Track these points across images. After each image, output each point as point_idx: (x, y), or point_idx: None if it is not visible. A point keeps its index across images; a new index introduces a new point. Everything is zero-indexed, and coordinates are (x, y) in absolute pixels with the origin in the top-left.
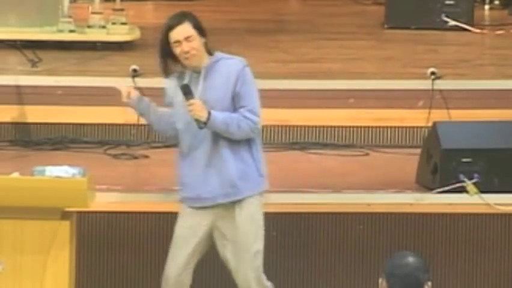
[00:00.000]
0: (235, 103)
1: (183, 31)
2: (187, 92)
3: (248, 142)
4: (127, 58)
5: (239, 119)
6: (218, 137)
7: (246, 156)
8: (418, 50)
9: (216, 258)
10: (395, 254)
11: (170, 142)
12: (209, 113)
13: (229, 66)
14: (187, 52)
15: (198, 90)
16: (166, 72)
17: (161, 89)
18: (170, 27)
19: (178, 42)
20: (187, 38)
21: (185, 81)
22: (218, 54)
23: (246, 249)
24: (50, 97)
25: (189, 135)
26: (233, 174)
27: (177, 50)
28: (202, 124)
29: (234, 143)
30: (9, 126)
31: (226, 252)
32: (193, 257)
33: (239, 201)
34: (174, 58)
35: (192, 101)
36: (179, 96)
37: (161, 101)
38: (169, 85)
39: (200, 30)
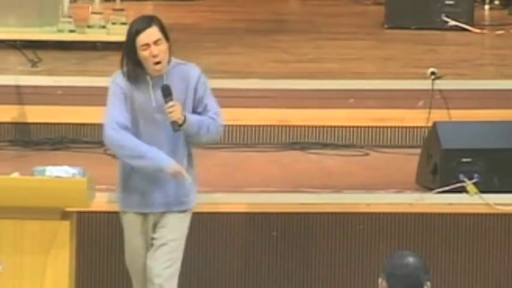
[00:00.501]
0: (194, 108)
1: (152, 34)
2: (167, 93)
3: (190, 151)
4: None
5: (209, 122)
6: (178, 142)
7: (194, 165)
8: (418, 50)
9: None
10: (395, 254)
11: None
12: (184, 116)
13: (187, 71)
14: (155, 56)
15: (159, 95)
16: (131, 77)
17: None
18: (138, 31)
19: (147, 45)
20: (155, 42)
21: (148, 85)
22: (173, 60)
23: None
24: (50, 97)
25: (147, 137)
26: (187, 184)
27: (145, 54)
28: (177, 127)
29: (189, 150)
30: (9, 126)
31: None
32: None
33: (183, 211)
34: (137, 63)
35: (172, 103)
36: (138, 97)
37: None
38: (123, 84)
39: (165, 34)
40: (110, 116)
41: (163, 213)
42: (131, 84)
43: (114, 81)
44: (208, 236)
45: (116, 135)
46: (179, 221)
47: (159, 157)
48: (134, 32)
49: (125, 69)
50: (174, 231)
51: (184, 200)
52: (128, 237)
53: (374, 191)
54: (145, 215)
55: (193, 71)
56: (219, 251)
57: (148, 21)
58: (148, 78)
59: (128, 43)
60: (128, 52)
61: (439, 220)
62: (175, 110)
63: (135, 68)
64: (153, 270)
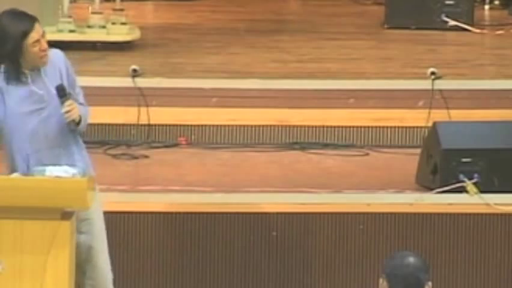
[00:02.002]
0: None
1: (40, 29)
2: (63, 93)
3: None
4: (127, 58)
5: (86, 109)
6: (67, 135)
7: (84, 154)
8: (418, 50)
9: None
10: (396, 254)
11: None
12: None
13: (54, 56)
14: (44, 50)
15: (44, 86)
16: (20, 75)
17: (162, 89)
18: (29, 29)
19: (38, 41)
20: (43, 36)
21: (28, 79)
22: None
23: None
24: None
25: (27, 135)
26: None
27: (35, 49)
28: (74, 126)
29: (78, 139)
30: None
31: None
32: None
33: None
34: (16, 61)
35: (69, 102)
36: (13, 94)
37: (163, 101)
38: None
39: None
40: None
41: None
42: (8, 83)
43: None
44: (208, 236)
45: None
46: None
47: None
48: (24, 31)
49: (2, 70)
50: None
51: None
52: None
53: (374, 191)
54: None
55: (59, 55)
56: (219, 251)
57: (30, 17)
58: (27, 72)
59: (15, 44)
60: (10, 52)
61: (439, 220)
62: (73, 109)
63: (14, 66)
64: None
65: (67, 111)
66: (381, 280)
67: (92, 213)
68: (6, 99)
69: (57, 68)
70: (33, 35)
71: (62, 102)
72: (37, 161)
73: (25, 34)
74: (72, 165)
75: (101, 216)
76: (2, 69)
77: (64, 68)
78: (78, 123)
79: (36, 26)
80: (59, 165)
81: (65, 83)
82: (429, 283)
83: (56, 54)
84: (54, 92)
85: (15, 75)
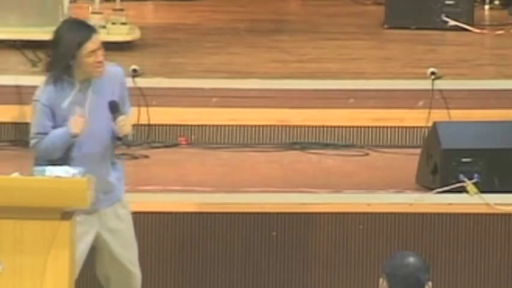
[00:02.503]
0: None
1: (97, 40)
2: (116, 109)
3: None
4: (127, 58)
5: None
6: (107, 145)
7: (117, 167)
8: (418, 50)
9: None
10: (396, 254)
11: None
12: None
13: (112, 72)
14: (100, 61)
15: (88, 98)
16: (69, 84)
17: (163, 89)
18: (86, 38)
19: (93, 52)
20: (99, 48)
21: (76, 90)
22: None
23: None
24: None
25: (82, 145)
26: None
27: (89, 60)
28: (126, 140)
29: (114, 152)
30: (9, 126)
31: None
32: None
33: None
34: (70, 69)
35: (122, 117)
36: (63, 105)
37: (163, 101)
38: (50, 92)
39: None
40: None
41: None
42: (57, 92)
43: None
44: (208, 236)
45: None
46: None
47: (58, 131)
48: (81, 40)
49: (50, 75)
50: None
51: None
52: None
53: (374, 191)
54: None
55: (118, 71)
56: (219, 251)
57: (90, 27)
58: (77, 82)
59: (70, 52)
60: (64, 60)
61: (439, 220)
62: (126, 125)
63: (66, 74)
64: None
65: (121, 126)
66: (381, 280)
67: (122, 223)
68: (56, 113)
69: (111, 84)
70: (89, 46)
71: (115, 118)
72: (81, 165)
73: (81, 44)
74: (108, 177)
75: (131, 227)
76: (51, 80)
77: (118, 85)
78: (122, 137)
79: (94, 37)
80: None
81: (117, 99)
82: (430, 283)
83: (115, 70)
84: (99, 105)
85: (65, 83)
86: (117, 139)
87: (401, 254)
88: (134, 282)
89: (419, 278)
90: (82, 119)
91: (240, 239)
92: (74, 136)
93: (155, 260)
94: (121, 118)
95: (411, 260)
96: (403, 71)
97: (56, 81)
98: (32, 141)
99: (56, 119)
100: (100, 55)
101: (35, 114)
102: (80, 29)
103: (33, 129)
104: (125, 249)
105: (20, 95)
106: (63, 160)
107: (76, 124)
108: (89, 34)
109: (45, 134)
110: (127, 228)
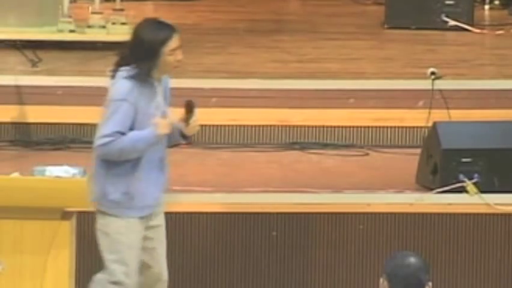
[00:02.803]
0: None
1: (178, 41)
2: (192, 109)
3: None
4: None
5: None
6: (167, 145)
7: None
8: (418, 50)
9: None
10: (396, 254)
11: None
12: None
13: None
14: (179, 60)
15: (158, 98)
16: (148, 80)
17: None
18: (169, 36)
19: (174, 50)
20: (180, 46)
21: (154, 90)
22: None
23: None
24: (50, 97)
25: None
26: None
27: (170, 59)
28: (191, 138)
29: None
30: (9, 126)
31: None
32: None
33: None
34: (151, 65)
35: (195, 118)
36: (143, 103)
37: None
38: (134, 91)
39: None
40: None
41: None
42: (138, 91)
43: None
44: (209, 236)
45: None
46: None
47: (142, 132)
48: (165, 37)
49: (134, 73)
50: None
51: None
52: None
53: (374, 191)
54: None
55: (168, 78)
56: (219, 251)
57: (172, 26)
58: (154, 81)
59: (155, 48)
60: (147, 56)
61: (439, 220)
62: (197, 125)
63: (147, 70)
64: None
65: (194, 126)
66: (381, 280)
67: (162, 219)
68: (138, 113)
69: (164, 86)
70: (171, 44)
71: (188, 118)
72: (149, 169)
73: (164, 41)
74: (163, 179)
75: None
76: (134, 78)
77: (166, 87)
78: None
79: (175, 36)
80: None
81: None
82: (430, 283)
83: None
84: (161, 105)
85: (145, 83)
86: (183, 138)
87: (402, 254)
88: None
89: (420, 278)
90: (167, 120)
91: (240, 239)
92: (160, 138)
93: None
94: (194, 118)
95: (412, 260)
96: (403, 71)
97: (138, 80)
98: (105, 139)
99: (137, 119)
100: (179, 54)
101: (116, 113)
102: (162, 27)
103: (110, 128)
104: (162, 246)
105: (20, 95)
106: (135, 161)
107: (162, 126)
108: (171, 32)
109: (123, 134)
110: (164, 225)
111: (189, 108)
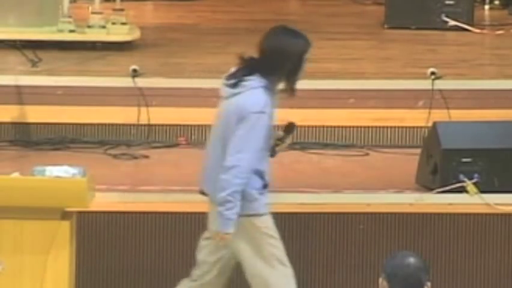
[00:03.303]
0: None
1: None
2: (292, 131)
3: None
4: (127, 58)
5: None
6: None
7: None
8: (418, 50)
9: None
10: (396, 254)
11: None
12: None
13: None
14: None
15: (275, 109)
16: (273, 90)
17: (163, 89)
18: (309, 43)
19: (306, 60)
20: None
21: (275, 100)
22: None
23: None
24: (50, 97)
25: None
26: None
27: (303, 68)
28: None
29: None
30: (9, 126)
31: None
32: None
33: None
34: (294, 77)
35: (290, 139)
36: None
37: (163, 101)
38: (267, 99)
39: None
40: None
41: None
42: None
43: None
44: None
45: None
46: None
47: (234, 211)
48: (306, 46)
49: (268, 83)
50: None
51: None
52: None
53: (374, 191)
54: None
55: None
56: None
57: (304, 34)
58: (277, 91)
59: (299, 58)
60: (291, 69)
61: (439, 220)
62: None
63: (289, 83)
64: None
65: (285, 146)
66: (381, 280)
67: None
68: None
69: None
70: (308, 53)
71: (286, 137)
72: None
73: (306, 49)
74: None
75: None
76: (267, 88)
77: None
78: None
79: (310, 45)
80: None
81: None
82: (429, 283)
83: None
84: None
85: (272, 92)
86: (271, 151)
87: (402, 254)
88: None
89: (419, 278)
90: (282, 146)
91: None
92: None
93: (156, 259)
94: (290, 139)
95: (412, 260)
96: (403, 71)
97: (272, 90)
98: (247, 155)
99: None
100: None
101: (257, 127)
102: (300, 36)
103: (253, 144)
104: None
105: (20, 95)
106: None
107: (222, 239)
108: (308, 42)
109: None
110: None
111: (290, 130)
